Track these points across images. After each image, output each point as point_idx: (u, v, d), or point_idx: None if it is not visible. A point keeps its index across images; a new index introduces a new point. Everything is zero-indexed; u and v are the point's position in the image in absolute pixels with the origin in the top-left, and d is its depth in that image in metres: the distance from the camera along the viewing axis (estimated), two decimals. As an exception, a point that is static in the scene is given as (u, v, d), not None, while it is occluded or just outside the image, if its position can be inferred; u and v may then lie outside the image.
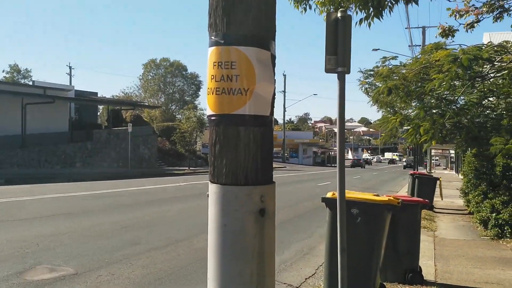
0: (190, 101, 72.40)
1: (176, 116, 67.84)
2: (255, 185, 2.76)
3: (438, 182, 18.49)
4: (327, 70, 4.78)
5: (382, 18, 6.34)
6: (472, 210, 14.59)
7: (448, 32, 8.79)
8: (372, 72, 15.62)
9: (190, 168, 41.28)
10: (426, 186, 17.95)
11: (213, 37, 2.86)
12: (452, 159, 69.44)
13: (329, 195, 5.40)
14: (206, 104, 2.93)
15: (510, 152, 9.24)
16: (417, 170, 32.86)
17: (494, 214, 11.15)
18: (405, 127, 12.34)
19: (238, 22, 2.79)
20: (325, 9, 6.47)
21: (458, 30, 8.74)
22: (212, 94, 2.86)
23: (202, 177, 29.83)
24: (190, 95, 74.79)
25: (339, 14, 4.93)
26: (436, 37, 9.12)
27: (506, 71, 10.56)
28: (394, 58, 12.53)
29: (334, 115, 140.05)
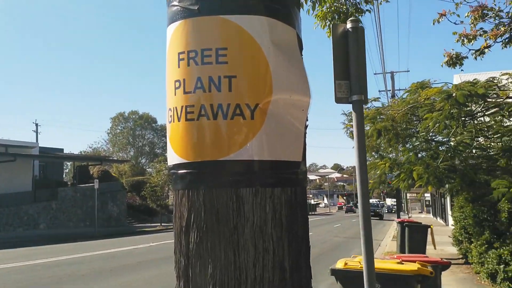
0: (161, 153, 71.13)
1: (147, 169, 66.24)
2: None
3: (429, 229, 17.65)
4: (338, 100, 3.40)
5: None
6: (473, 261, 13.38)
7: (455, 59, 7.55)
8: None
9: (162, 224, 39.68)
10: (417, 234, 17.23)
11: (174, 2, 1.29)
12: (427, 202, 69.51)
13: (339, 265, 3.92)
14: (167, 143, 1.32)
15: None
16: (400, 217, 31.55)
17: (502, 266, 9.95)
18: (395, 172, 11.39)
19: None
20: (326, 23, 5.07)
21: (467, 57, 7.52)
22: (178, 120, 1.26)
23: (175, 234, 27.72)
24: (161, 147, 73.57)
25: (348, 25, 3.52)
26: (442, 66, 7.90)
27: (496, 109, 9.62)
28: (376, 99, 11.68)
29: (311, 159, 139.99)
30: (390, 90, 42.57)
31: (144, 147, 72.76)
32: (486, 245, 11.45)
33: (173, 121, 1.42)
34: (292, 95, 1.38)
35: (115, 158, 60.83)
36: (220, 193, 1.34)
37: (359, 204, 3.48)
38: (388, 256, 4.73)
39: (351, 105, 3.38)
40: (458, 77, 27.16)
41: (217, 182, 1.35)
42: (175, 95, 1.42)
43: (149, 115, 71.98)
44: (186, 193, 1.40)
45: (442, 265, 5.54)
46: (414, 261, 4.64)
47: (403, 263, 4.49)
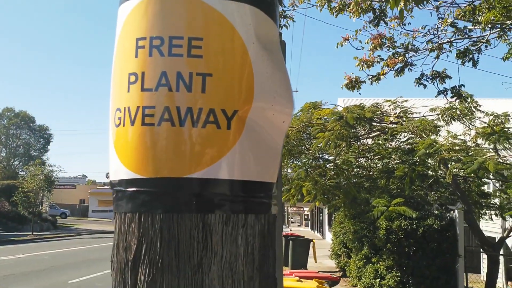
0: (37, 156, 65.41)
1: (20, 173, 60.46)
2: None
3: (311, 243, 18.84)
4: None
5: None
6: (351, 274, 14.31)
7: (354, 83, 7.93)
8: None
9: (34, 233, 36.55)
10: (300, 248, 18.37)
11: None
12: (306, 217, 73.36)
13: None
14: (110, 151, 1.00)
15: (393, 215, 8.83)
16: (283, 231, 32.69)
17: (378, 280, 10.76)
18: (285, 187, 11.80)
19: None
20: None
21: (365, 81, 7.95)
22: (131, 124, 0.95)
23: (47, 244, 25.83)
24: (38, 149, 67.67)
25: None
26: (342, 88, 8.23)
27: (378, 132, 10.45)
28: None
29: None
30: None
31: (18, 148, 66.37)
32: (364, 260, 12.18)
33: (123, 125, 1.10)
34: (274, 104, 1.15)
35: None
36: (183, 219, 1.06)
37: None
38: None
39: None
40: (341, 100, 29.10)
41: (179, 206, 1.07)
42: (128, 91, 1.11)
43: (27, 113, 65.95)
44: (136, 217, 1.09)
45: (332, 281, 5.79)
46: (310, 278, 4.88)
47: (302, 281, 4.68)
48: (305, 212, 70.67)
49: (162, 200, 1.06)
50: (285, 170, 14.11)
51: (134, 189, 1.08)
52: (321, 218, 36.03)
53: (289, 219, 65.24)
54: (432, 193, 9.92)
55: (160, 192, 1.07)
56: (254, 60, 1.12)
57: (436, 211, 9.78)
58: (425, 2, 4.79)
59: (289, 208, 53.10)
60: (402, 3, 3.35)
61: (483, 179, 8.99)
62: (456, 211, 9.40)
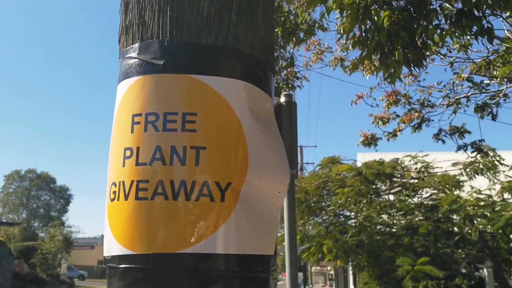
0: (57, 217, 65.82)
1: (39, 234, 60.80)
2: None
3: None
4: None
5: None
6: None
7: (370, 140, 7.91)
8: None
9: None
10: None
11: (132, 54, 1.04)
12: (330, 276, 70.96)
13: None
14: (105, 226, 0.99)
15: (419, 275, 8.45)
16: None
17: None
18: (305, 245, 11.57)
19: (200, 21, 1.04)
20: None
21: (381, 138, 7.91)
22: (125, 199, 0.95)
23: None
24: (57, 210, 68.23)
25: (282, 99, 3.48)
26: (358, 145, 8.22)
27: (400, 188, 10.27)
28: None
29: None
30: (299, 163, 44.36)
31: (38, 209, 67.06)
32: (393, 325, 11.56)
33: (117, 199, 1.11)
34: (269, 175, 1.14)
35: (4, 221, 55.39)
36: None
37: (287, 283, 3.33)
38: None
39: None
40: (361, 156, 28.78)
41: (172, 283, 1.04)
42: (123, 166, 1.12)
43: (48, 175, 67.07)
44: (126, 294, 1.07)
45: None
46: None
47: None
48: (330, 272, 68.46)
49: (154, 277, 1.04)
50: (306, 227, 13.89)
51: (126, 265, 1.07)
52: (345, 277, 34.84)
53: (313, 278, 63.44)
54: (459, 250, 9.55)
55: (152, 268, 1.04)
56: (248, 133, 1.13)
57: (464, 270, 9.36)
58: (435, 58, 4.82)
59: (312, 267, 51.69)
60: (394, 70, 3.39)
61: (511, 236, 8.64)
62: (485, 269, 8.99)
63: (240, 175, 1.10)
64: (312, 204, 10.87)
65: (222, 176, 1.09)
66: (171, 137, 1.09)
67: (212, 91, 1.12)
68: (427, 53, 3.51)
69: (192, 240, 1.05)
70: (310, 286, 44.16)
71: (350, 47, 5.01)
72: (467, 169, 8.60)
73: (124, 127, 1.14)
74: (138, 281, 1.05)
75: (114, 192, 1.12)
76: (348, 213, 11.74)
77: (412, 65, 2.94)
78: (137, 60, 1.14)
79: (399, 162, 10.26)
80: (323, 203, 11.37)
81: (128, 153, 1.12)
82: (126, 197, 1.09)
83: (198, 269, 1.05)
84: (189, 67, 1.13)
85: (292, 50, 5.80)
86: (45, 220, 64.35)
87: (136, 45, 1.19)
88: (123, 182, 1.10)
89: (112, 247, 1.11)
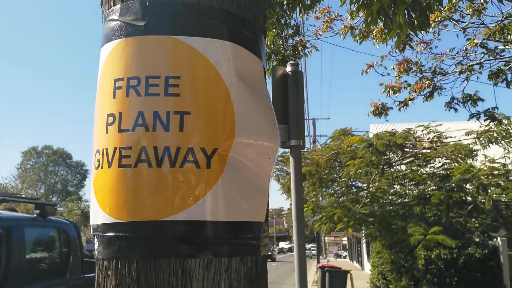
0: (74, 191, 67.16)
1: (57, 209, 62.26)
2: None
3: (349, 275, 18.30)
4: (277, 144, 3.07)
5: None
6: None
7: (381, 110, 7.78)
8: (280, 158, 14.87)
9: None
10: (337, 279, 17.79)
11: (113, 16, 0.98)
12: (343, 247, 71.42)
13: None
14: (91, 195, 0.96)
15: (431, 244, 8.42)
16: (320, 262, 31.85)
17: None
18: (317, 215, 11.61)
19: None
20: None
21: (392, 108, 7.78)
22: (109, 166, 0.91)
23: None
24: (75, 185, 69.55)
25: (288, 69, 3.46)
26: (368, 115, 8.10)
27: (412, 158, 10.14)
28: (300, 143, 11.94)
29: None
30: (311, 136, 44.10)
31: (56, 184, 68.40)
32: (404, 292, 11.69)
33: (101, 167, 1.08)
34: (258, 140, 1.10)
35: (23, 196, 56.45)
36: (161, 266, 1.01)
37: (295, 252, 3.36)
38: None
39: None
40: (374, 127, 28.53)
41: (157, 251, 1.02)
42: (106, 133, 1.09)
43: (64, 151, 68.16)
44: (113, 264, 1.05)
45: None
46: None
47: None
48: (343, 242, 68.97)
49: (139, 245, 1.02)
50: (315, 198, 13.92)
51: (112, 234, 1.05)
52: (359, 248, 35.01)
53: (327, 249, 63.82)
54: (472, 220, 9.48)
55: (137, 237, 1.02)
56: (235, 97, 1.08)
57: (477, 239, 9.31)
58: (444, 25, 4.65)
59: (325, 238, 52.02)
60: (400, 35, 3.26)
61: (526, 205, 8.52)
62: (499, 238, 8.93)
63: (227, 140, 1.06)
64: (324, 176, 10.86)
65: (208, 142, 1.05)
66: (153, 102, 1.05)
67: (196, 53, 1.08)
68: (432, 15, 3.38)
69: (177, 208, 1.02)
70: (324, 256, 44.63)
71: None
72: (481, 138, 8.45)
73: (106, 93, 1.11)
74: (123, 249, 1.03)
75: (98, 160, 1.10)
76: (360, 184, 11.73)
77: (417, 28, 2.84)
78: (118, 22, 1.09)
79: (411, 132, 10.14)
80: (335, 175, 11.35)
81: (110, 119, 1.08)
82: (109, 165, 1.06)
83: (185, 236, 1.03)
84: (172, 28, 1.08)
85: (301, 17, 5.65)
86: (63, 195, 65.69)
87: (117, 6, 1.13)
88: (106, 149, 1.07)
89: (98, 216, 1.09)
